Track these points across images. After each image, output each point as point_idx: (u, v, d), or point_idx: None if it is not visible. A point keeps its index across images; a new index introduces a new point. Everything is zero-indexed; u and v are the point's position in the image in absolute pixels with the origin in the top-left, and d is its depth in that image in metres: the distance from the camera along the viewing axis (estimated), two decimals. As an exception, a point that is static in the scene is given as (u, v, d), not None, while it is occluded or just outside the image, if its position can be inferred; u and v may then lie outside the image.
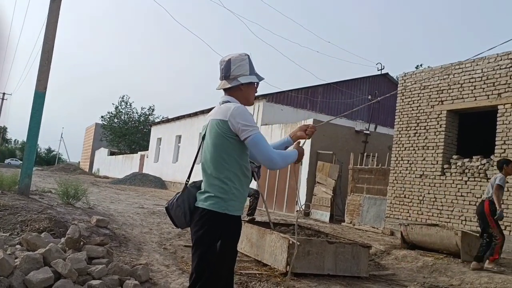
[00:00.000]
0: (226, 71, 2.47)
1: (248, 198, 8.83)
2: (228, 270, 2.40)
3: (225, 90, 2.49)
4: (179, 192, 2.48)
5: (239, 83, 2.45)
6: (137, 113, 43.24)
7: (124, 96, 43.73)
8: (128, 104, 43.17)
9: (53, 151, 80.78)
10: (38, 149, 71.52)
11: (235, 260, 2.48)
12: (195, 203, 2.39)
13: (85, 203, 8.76)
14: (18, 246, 4.56)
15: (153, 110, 43.94)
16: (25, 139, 9.64)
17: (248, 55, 2.53)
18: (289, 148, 2.61)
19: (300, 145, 2.67)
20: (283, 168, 2.48)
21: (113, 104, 46.16)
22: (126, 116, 42.85)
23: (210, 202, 2.32)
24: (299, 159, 2.52)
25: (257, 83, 2.56)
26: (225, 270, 2.36)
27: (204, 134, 2.47)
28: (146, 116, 43.14)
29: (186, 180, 2.53)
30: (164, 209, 2.54)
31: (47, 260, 4.02)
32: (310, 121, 15.10)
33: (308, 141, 10.96)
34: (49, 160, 74.14)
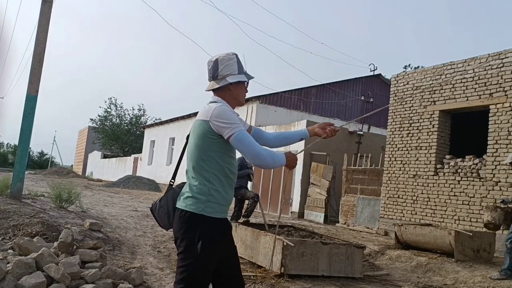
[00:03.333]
0: (214, 71, 2.43)
1: (247, 201, 8.79)
2: (230, 273, 2.38)
3: (214, 90, 2.45)
4: (165, 191, 2.47)
5: (227, 83, 2.41)
6: (129, 115, 43.01)
7: (111, 97, 43.25)
8: (119, 106, 42.92)
9: (46, 154, 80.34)
10: (31, 153, 71.11)
11: (233, 264, 2.45)
12: (176, 203, 2.36)
13: (78, 206, 8.70)
14: (10, 251, 4.52)
15: (144, 111, 43.75)
16: (17, 143, 9.56)
17: (236, 54, 2.49)
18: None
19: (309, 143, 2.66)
20: (272, 167, 2.39)
21: (100, 107, 45.82)
22: (117, 119, 42.62)
23: (188, 203, 2.29)
24: (289, 165, 2.42)
25: (247, 82, 2.51)
26: (207, 273, 2.29)
27: (188, 135, 2.46)
28: (137, 118, 42.91)
29: (171, 181, 2.51)
30: (149, 209, 2.52)
31: (39, 265, 3.99)
32: (303, 122, 15.12)
33: (302, 142, 10.90)
34: (42, 163, 73.68)
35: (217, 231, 2.31)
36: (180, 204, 2.32)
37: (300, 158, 14.65)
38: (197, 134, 2.33)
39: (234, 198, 8.39)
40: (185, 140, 2.49)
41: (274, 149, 2.62)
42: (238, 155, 2.61)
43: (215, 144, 2.29)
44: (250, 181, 9.35)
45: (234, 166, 2.40)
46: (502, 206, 6.71)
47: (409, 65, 32.24)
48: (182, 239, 2.28)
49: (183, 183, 2.43)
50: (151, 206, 2.47)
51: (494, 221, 6.55)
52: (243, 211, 8.84)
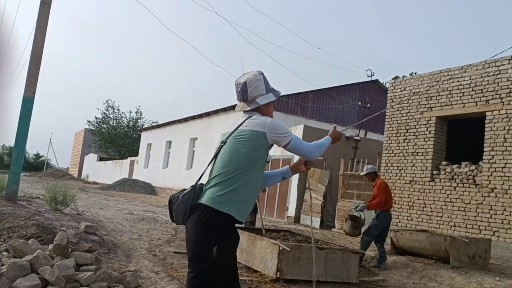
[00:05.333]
0: (244, 93, 2.54)
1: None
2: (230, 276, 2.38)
3: (245, 111, 2.56)
4: (185, 189, 2.46)
5: (258, 105, 2.53)
6: (125, 117, 42.96)
7: (108, 100, 43.03)
8: (116, 109, 42.85)
9: (42, 156, 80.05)
10: (26, 155, 70.85)
11: (236, 275, 2.46)
12: (199, 200, 2.37)
13: (73, 209, 8.66)
14: (4, 253, 4.49)
15: (141, 113, 43.67)
16: (13, 144, 9.53)
17: (262, 73, 2.59)
18: (328, 134, 2.74)
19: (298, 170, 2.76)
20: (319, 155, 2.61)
21: (98, 109, 45.72)
22: (114, 121, 42.54)
23: (215, 200, 2.32)
24: (336, 141, 2.70)
25: (274, 101, 2.62)
26: (223, 279, 2.32)
27: (225, 141, 2.47)
28: (134, 121, 42.85)
29: (196, 182, 2.52)
30: (167, 201, 2.54)
31: (34, 267, 3.96)
32: (300, 127, 15.14)
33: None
34: (38, 165, 73.42)
35: (233, 238, 2.39)
36: (206, 200, 2.34)
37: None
38: (251, 143, 2.39)
39: None
40: (220, 145, 2.51)
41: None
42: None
43: (263, 156, 2.43)
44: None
45: (262, 179, 2.51)
46: (354, 213, 7.56)
47: (402, 76, 32.26)
48: (199, 239, 2.29)
49: (202, 185, 2.47)
50: (171, 197, 2.47)
51: (347, 231, 7.60)
52: None
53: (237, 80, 2.59)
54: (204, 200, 2.35)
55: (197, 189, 2.44)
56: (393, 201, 10.96)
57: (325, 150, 2.61)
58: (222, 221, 2.30)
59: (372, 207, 7.42)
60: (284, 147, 2.44)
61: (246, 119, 2.49)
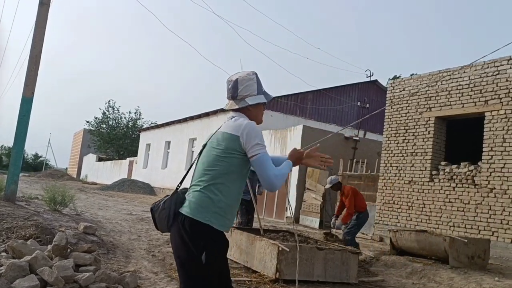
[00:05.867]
0: (234, 91, 2.44)
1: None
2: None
3: (233, 110, 2.46)
4: (167, 195, 2.40)
5: (247, 104, 2.42)
6: (125, 118, 42.98)
7: (110, 101, 43.26)
8: (116, 109, 42.91)
9: (40, 156, 79.95)
10: (25, 155, 70.76)
11: (226, 277, 2.41)
12: (180, 209, 2.29)
13: (72, 209, 8.65)
14: (3, 254, 4.48)
15: (140, 114, 43.70)
16: (11, 145, 9.52)
17: (256, 73, 2.50)
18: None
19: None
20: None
21: (100, 109, 45.83)
22: (114, 122, 42.56)
23: (195, 210, 2.24)
24: (297, 163, 2.47)
25: (265, 103, 2.50)
26: (214, 282, 2.28)
27: (206, 144, 2.41)
28: (134, 121, 42.87)
29: (178, 185, 2.46)
30: (150, 209, 2.47)
31: (33, 268, 3.95)
32: (300, 128, 15.14)
33: (298, 147, 10.86)
34: (36, 166, 73.33)
35: (221, 244, 2.30)
36: (186, 210, 2.27)
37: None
38: (223, 147, 2.29)
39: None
40: (202, 147, 2.45)
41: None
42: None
43: (239, 161, 2.28)
44: (254, 194, 8.80)
45: (244, 185, 2.41)
46: (333, 231, 7.99)
47: (399, 76, 32.32)
48: (179, 248, 2.26)
49: (186, 189, 2.39)
50: (152, 206, 2.41)
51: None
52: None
53: (229, 78, 2.50)
54: (184, 209, 2.27)
55: (179, 194, 2.36)
56: (396, 201, 11.01)
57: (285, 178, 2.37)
58: (204, 229, 2.23)
59: (347, 219, 7.71)
60: (249, 158, 2.27)
61: (228, 120, 2.41)
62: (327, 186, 8.22)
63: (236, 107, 2.43)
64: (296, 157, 2.48)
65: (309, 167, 2.79)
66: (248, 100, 2.42)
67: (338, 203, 8.13)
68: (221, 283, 2.36)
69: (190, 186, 2.36)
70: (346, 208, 7.79)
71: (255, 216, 8.42)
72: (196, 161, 2.44)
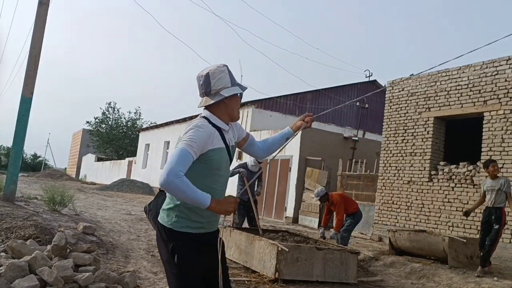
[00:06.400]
0: (206, 86, 2.28)
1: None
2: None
3: (207, 106, 2.31)
4: (156, 195, 2.48)
5: (223, 97, 2.26)
6: (124, 118, 43.04)
7: (111, 102, 43.48)
8: (116, 110, 42.99)
9: (39, 157, 79.79)
10: (24, 155, 70.69)
11: (217, 275, 2.31)
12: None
13: (71, 209, 8.65)
14: (3, 254, 4.48)
15: (140, 114, 43.77)
16: (10, 145, 9.51)
17: (227, 65, 2.34)
18: None
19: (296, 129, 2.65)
20: (182, 198, 2.11)
21: (100, 108, 45.94)
22: (113, 122, 42.61)
23: (162, 215, 2.29)
24: (218, 210, 2.13)
25: (241, 94, 2.36)
26: (193, 285, 2.24)
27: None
28: (133, 121, 42.92)
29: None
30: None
31: (32, 268, 3.96)
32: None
33: (297, 147, 10.94)
34: (35, 166, 73.19)
35: (189, 246, 2.22)
36: (159, 216, 2.32)
37: (295, 163, 14.67)
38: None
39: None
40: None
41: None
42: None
43: (202, 161, 2.18)
44: (246, 183, 8.23)
45: (219, 183, 2.29)
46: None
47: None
48: (159, 251, 2.34)
49: None
50: (145, 206, 2.51)
51: None
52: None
53: (199, 74, 2.33)
54: (159, 216, 2.32)
55: (164, 194, 2.36)
56: (395, 201, 11.01)
57: (183, 198, 2.08)
58: (171, 232, 2.23)
59: (340, 228, 7.73)
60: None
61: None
62: (315, 199, 8.33)
63: (212, 101, 2.27)
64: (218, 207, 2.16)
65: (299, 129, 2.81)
66: (223, 92, 2.27)
67: (325, 213, 8.12)
68: (209, 283, 2.32)
69: None
70: (336, 216, 7.78)
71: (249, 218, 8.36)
72: None
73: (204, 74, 2.30)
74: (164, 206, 2.29)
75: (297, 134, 2.73)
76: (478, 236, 8.47)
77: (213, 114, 2.30)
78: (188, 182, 2.03)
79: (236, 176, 8.25)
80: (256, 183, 8.49)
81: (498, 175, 6.94)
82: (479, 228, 8.96)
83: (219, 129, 2.28)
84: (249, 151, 2.65)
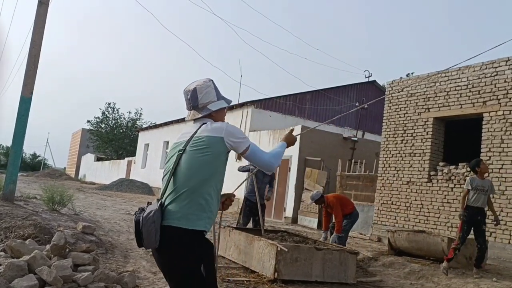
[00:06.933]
0: (194, 100, 2.45)
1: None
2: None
3: (195, 120, 2.47)
4: (150, 203, 2.28)
5: (210, 111, 2.44)
6: (124, 118, 43.08)
7: (110, 103, 43.57)
8: (116, 110, 43.04)
9: (39, 156, 79.74)
10: (23, 155, 70.62)
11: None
12: (165, 222, 2.19)
13: (71, 209, 8.65)
14: (2, 253, 4.48)
15: (140, 114, 43.82)
16: (9, 144, 9.51)
17: (212, 80, 2.51)
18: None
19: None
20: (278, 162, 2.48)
21: (100, 109, 45.99)
22: (113, 122, 42.64)
23: (186, 219, 2.19)
24: (290, 145, 2.63)
25: (227, 107, 2.55)
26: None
27: (183, 149, 2.33)
28: (133, 121, 42.95)
29: (161, 198, 2.32)
30: (134, 221, 2.28)
31: (31, 267, 3.96)
32: (298, 128, 15.15)
33: (297, 147, 10.94)
34: (34, 165, 73.13)
35: (209, 250, 2.30)
36: (177, 222, 2.18)
37: (294, 163, 14.67)
38: (210, 151, 2.26)
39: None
40: (177, 154, 2.35)
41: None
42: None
43: (223, 161, 2.34)
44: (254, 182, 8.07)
45: (223, 181, 2.42)
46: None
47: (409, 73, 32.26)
48: (182, 262, 2.18)
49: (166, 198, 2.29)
50: (137, 218, 2.24)
51: None
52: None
53: (185, 88, 2.50)
54: (174, 221, 2.18)
55: (162, 206, 2.26)
56: (395, 202, 11.02)
57: (282, 156, 2.48)
58: (199, 237, 2.20)
59: (340, 230, 7.63)
60: (242, 154, 2.33)
61: (201, 125, 2.38)
62: (310, 202, 8.39)
63: (199, 116, 2.43)
64: (289, 140, 2.66)
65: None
66: (210, 106, 2.44)
67: (324, 215, 8.11)
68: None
69: (169, 194, 2.26)
70: (335, 218, 7.77)
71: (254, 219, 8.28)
72: (171, 169, 2.31)
73: (191, 89, 2.46)
74: (192, 210, 2.20)
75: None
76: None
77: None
78: (273, 151, 2.45)
79: (245, 175, 8.23)
80: (267, 187, 8.41)
81: (485, 175, 6.97)
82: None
83: None
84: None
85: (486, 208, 6.80)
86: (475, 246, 7.26)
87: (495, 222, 6.74)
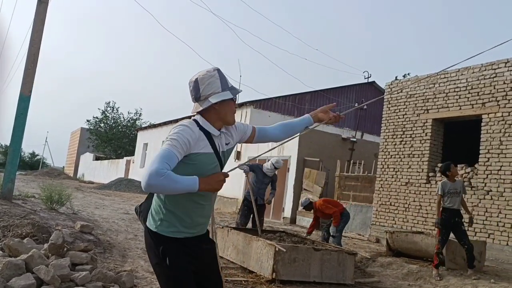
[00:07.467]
0: (196, 92, 2.23)
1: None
2: None
3: (199, 113, 2.27)
4: (147, 196, 2.40)
5: (211, 104, 2.20)
6: (124, 118, 43.08)
7: (110, 102, 43.55)
8: (115, 109, 43.04)
9: (37, 155, 79.58)
10: (22, 153, 70.46)
11: (209, 277, 2.34)
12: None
13: (69, 208, 8.64)
14: (-1, 252, 4.47)
15: (140, 114, 43.83)
16: (8, 143, 9.50)
17: (218, 69, 2.28)
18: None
19: (312, 126, 2.59)
20: (163, 192, 2.12)
21: (99, 109, 45.97)
22: (112, 121, 42.63)
23: (148, 220, 2.28)
24: (206, 188, 2.08)
25: (234, 98, 2.29)
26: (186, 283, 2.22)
27: None
28: (133, 121, 42.95)
29: None
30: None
31: (29, 266, 3.95)
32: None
33: (296, 148, 10.90)
34: (33, 164, 73.05)
35: (178, 250, 2.21)
36: (147, 219, 2.31)
37: (293, 163, 14.67)
38: None
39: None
40: None
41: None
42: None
43: (181, 163, 2.09)
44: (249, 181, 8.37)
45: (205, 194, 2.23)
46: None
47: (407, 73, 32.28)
48: (148, 254, 2.32)
49: None
50: (136, 207, 2.46)
51: None
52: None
53: (190, 79, 2.29)
54: (148, 216, 2.31)
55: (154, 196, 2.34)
56: (393, 203, 11.02)
57: (171, 191, 2.02)
58: (158, 236, 2.22)
59: (339, 224, 7.82)
60: None
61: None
62: (300, 208, 8.51)
63: (201, 108, 2.22)
64: (206, 183, 2.09)
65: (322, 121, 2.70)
66: (211, 99, 2.20)
67: (312, 222, 8.20)
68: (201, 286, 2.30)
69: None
70: (332, 215, 7.87)
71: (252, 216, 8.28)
72: None
73: (193, 79, 2.26)
74: (151, 209, 2.28)
75: (316, 126, 2.68)
76: (475, 238, 8.49)
77: (205, 119, 2.25)
78: (171, 175, 1.95)
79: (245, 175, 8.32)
80: (269, 189, 8.41)
81: (456, 177, 7.01)
82: (476, 230, 8.99)
83: (207, 133, 2.22)
84: (264, 139, 2.61)
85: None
86: (474, 247, 7.27)
87: (469, 223, 6.84)
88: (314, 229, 8.17)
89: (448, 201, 6.77)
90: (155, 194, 2.27)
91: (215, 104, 2.20)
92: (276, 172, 8.36)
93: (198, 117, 2.26)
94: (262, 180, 8.19)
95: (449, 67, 3.30)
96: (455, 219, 6.73)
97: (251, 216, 8.05)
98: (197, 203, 2.22)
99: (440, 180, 9.92)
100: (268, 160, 8.33)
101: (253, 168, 8.22)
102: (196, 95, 2.24)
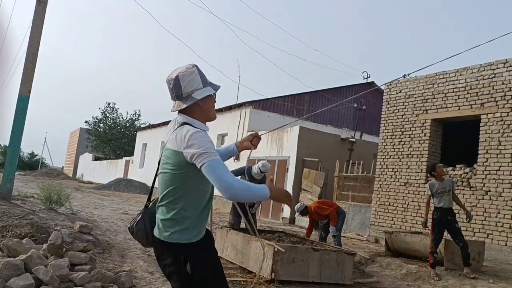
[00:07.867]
0: (177, 90, 2.19)
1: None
2: None
3: (181, 111, 2.23)
4: (140, 212, 2.31)
5: (195, 100, 2.18)
6: (123, 118, 43.08)
7: (110, 103, 43.55)
8: (115, 110, 43.04)
9: (36, 155, 79.53)
10: (21, 153, 70.40)
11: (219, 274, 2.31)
12: (153, 230, 2.21)
13: (68, 208, 8.64)
14: (-2, 252, 4.47)
15: (139, 115, 43.83)
16: (7, 143, 9.50)
17: (196, 65, 2.25)
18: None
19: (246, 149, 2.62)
20: (250, 200, 2.10)
21: (99, 108, 45.97)
22: (112, 121, 42.63)
23: (164, 233, 2.16)
24: (276, 198, 2.12)
25: (215, 94, 2.29)
26: None
27: (160, 161, 2.25)
28: (132, 121, 42.95)
29: (147, 203, 2.34)
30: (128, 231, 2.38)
31: (28, 267, 3.95)
32: (296, 129, 15.17)
33: (295, 148, 10.96)
34: (32, 164, 73.01)
35: (199, 253, 2.19)
36: (157, 233, 2.19)
37: (292, 163, 14.67)
38: (173, 163, 2.14)
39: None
40: (158, 164, 2.29)
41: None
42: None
43: (191, 173, 2.11)
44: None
45: (209, 184, 2.20)
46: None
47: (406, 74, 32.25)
48: (162, 265, 2.22)
49: (156, 200, 2.28)
50: (129, 225, 2.34)
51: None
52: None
53: (168, 77, 2.24)
54: (155, 231, 2.19)
55: (150, 209, 2.26)
56: (392, 203, 11.03)
57: (251, 199, 2.07)
58: (179, 249, 2.15)
59: (337, 223, 7.88)
60: (200, 168, 2.04)
61: (176, 128, 2.19)
62: (297, 214, 8.62)
63: (184, 106, 2.19)
64: (275, 192, 2.12)
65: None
66: (195, 95, 2.18)
67: (308, 226, 8.24)
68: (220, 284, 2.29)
69: (158, 201, 2.24)
70: (329, 216, 7.92)
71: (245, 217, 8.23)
72: (156, 175, 2.30)
73: (173, 77, 2.21)
74: (166, 222, 2.16)
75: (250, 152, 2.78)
76: (474, 238, 8.50)
77: (190, 117, 2.22)
78: (243, 183, 2.02)
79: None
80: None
81: (443, 176, 7.04)
82: (475, 230, 9.01)
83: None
84: None
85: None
86: (471, 248, 7.27)
87: (467, 219, 6.88)
88: (311, 232, 8.20)
89: (438, 200, 6.84)
90: (164, 206, 2.17)
91: (199, 101, 2.20)
92: (265, 175, 8.29)
93: (185, 118, 2.21)
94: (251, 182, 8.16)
95: (456, 54, 3.32)
96: (447, 217, 6.78)
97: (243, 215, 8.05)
98: (208, 203, 2.25)
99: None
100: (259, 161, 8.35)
101: (241, 172, 8.11)
102: (178, 93, 2.20)
